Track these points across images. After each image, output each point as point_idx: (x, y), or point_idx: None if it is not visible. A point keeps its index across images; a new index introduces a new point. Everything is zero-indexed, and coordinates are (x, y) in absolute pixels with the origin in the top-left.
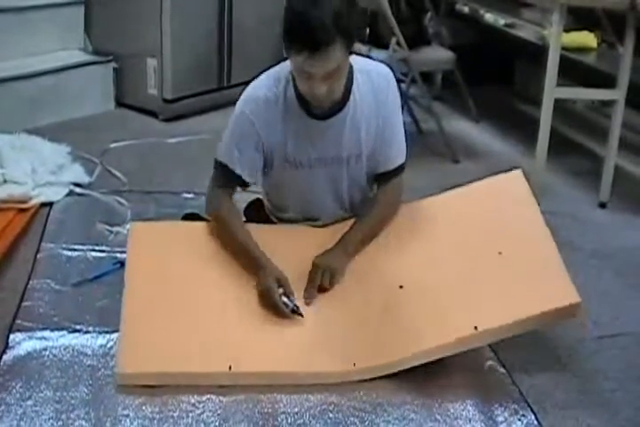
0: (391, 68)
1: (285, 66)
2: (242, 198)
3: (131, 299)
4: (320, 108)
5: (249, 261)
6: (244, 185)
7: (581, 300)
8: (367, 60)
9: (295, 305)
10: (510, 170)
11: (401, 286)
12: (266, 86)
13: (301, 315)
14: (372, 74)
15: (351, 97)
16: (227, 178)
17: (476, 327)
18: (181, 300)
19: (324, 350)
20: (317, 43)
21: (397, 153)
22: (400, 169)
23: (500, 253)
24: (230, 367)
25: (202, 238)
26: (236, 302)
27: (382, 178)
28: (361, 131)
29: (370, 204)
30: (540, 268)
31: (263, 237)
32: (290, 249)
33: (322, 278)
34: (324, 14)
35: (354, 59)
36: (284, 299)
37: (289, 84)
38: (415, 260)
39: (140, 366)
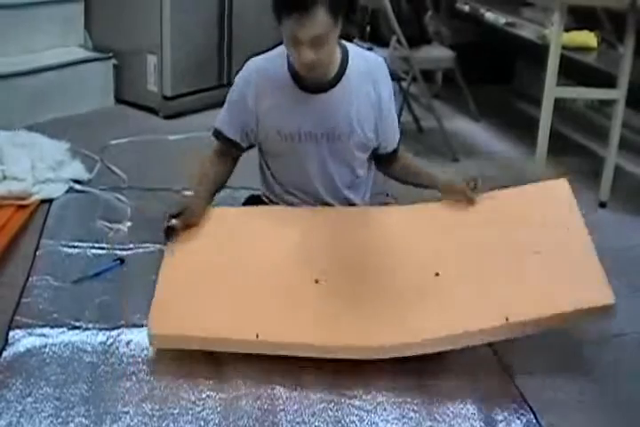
0: (390, 69)
1: (282, 46)
2: (240, 195)
3: (169, 264)
4: (310, 79)
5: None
6: (239, 149)
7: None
8: (364, 50)
9: (169, 226)
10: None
11: (437, 274)
12: (260, 60)
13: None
14: (367, 57)
15: (344, 76)
16: (222, 143)
17: (507, 318)
18: (217, 267)
19: (351, 326)
20: (304, 3)
21: (395, 133)
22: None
23: (537, 251)
24: (257, 336)
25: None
26: (272, 274)
27: (388, 157)
28: (352, 109)
29: (402, 161)
30: (576, 268)
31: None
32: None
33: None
34: None
35: (351, 46)
36: (173, 221)
37: (284, 59)
38: (454, 250)
39: (169, 329)
